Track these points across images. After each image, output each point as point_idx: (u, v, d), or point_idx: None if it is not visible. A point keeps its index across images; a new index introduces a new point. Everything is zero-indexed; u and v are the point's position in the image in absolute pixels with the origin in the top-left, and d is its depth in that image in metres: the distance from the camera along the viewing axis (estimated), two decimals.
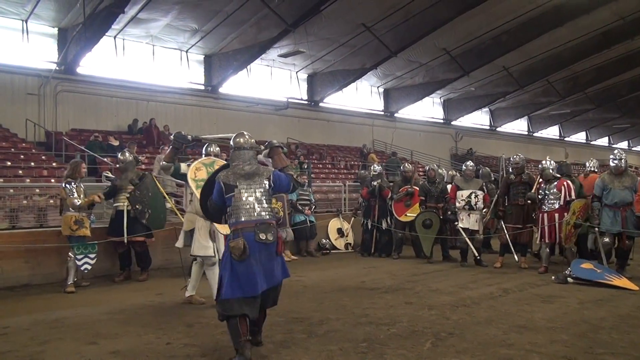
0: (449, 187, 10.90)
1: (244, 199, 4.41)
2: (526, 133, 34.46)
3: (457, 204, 9.36)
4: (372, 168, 11.67)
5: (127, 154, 8.69)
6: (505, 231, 9.03)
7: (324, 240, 11.82)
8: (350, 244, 12.07)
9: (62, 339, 5.04)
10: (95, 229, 8.23)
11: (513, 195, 9.09)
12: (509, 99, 29.33)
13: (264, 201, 4.45)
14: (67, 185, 7.60)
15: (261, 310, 4.50)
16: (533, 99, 30.04)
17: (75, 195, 7.56)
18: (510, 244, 9.04)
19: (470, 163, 9.93)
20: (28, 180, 11.58)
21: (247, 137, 4.71)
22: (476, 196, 9.29)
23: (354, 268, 9.43)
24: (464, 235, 9.24)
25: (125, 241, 8.12)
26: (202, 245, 6.14)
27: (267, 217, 4.42)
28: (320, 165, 20.07)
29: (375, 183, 10.99)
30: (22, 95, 16.04)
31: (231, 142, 4.72)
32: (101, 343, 4.86)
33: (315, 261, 10.54)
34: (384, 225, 10.91)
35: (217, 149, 6.97)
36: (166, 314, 6.00)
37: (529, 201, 8.76)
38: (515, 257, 9.02)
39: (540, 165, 8.85)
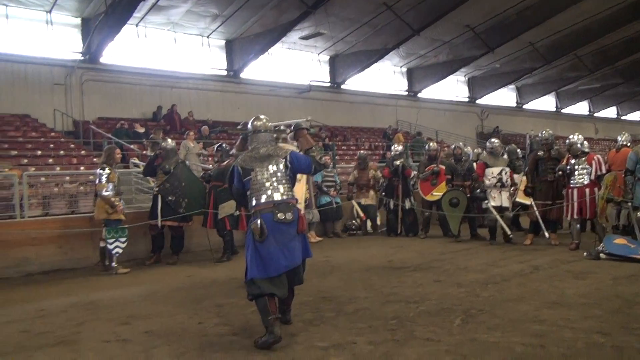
0: (475, 165, 10.80)
1: (260, 181, 4.45)
2: (554, 109, 33.73)
3: (487, 182, 9.19)
4: (393, 147, 11.56)
5: (168, 141, 8.83)
6: (535, 208, 8.87)
7: (350, 221, 11.81)
8: (377, 224, 12.02)
9: (97, 319, 5.16)
10: (126, 214, 8.39)
11: (542, 171, 8.90)
12: (535, 75, 28.68)
13: (282, 182, 4.46)
14: (99, 171, 7.77)
15: (288, 288, 4.52)
16: (561, 74, 29.34)
17: (105, 181, 7.68)
18: (540, 220, 8.87)
19: (495, 140, 9.73)
20: (58, 168, 11.82)
21: (263, 120, 4.75)
22: (506, 173, 9.17)
23: (381, 248, 9.41)
24: (495, 213, 9.10)
25: (159, 225, 8.25)
26: None
27: (285, 196, 4.43)
28: (345, 147, 20.00)
29: (397, 162, 10.90)
30: (49, 86, 16.30)
31: (248, 126, 4.77)
32: (134, 323, 4.96)
33: (341, 242, 10.55)
34: (407, 205, 10.84)
35: (288, 131, 6.98)
36: (197, 295, 6.08)
37: (559, 172, 8.49)
38: (546, 233, 8.87)
39: (568, 140, 8.64)
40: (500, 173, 9.14)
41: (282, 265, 4.30)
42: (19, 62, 15.74)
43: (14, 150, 12.63)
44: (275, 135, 4.90)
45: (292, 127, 5.04)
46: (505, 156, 10.23)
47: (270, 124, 4.89)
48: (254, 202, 4.44)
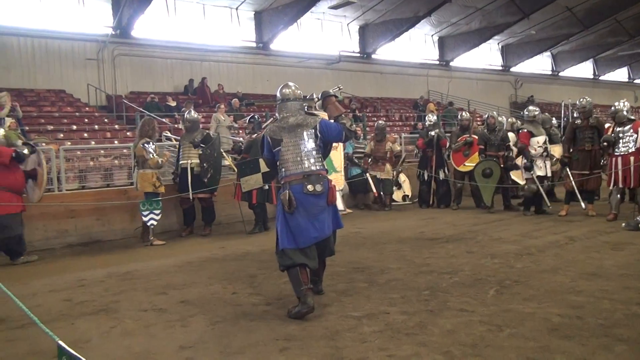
0: (510, 135, 10.55)
1: (290, 151, 4.38)
2: (591, 77, 32.68)
3: (533, 151, 8.85)
4: (427, 118, 11.38)
5: (193, 114, 8.83)
6: (571, 178, 8.65)
7: (381, 193, 11.75)
8: (407, 195, 11.96)
9: (135, 289, 5.28)
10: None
11: (580, 140, 8.62)
12: (572, 41, 27.79)
13: (312, 152, 4.39)
14: (145, 145, 7.83)
15: (319, 259, 4.51)
16: (599, 40, 28.33)
17: (153, 154, 7.81)
18: (577, 191, 8.66)
19: (535, 108, 9.38)
20: (93, 142, 12.06)
21: (292, 88, 4.63)
22: (547, 142, 8.93)
23: (413, 219, 9.36)
24: (538, 184, 8.85)
25: (191, 197, 8.31)
26: None
27: (316, 167, 4.36)
28: (375, 119, 19.80)
29: (432, 133, 10.74)
30: (82, 61, 16.55)
31: (277, 94, 4.65)
32: (171, 293, 5.07)
33: (372, 214, 10.52)
34: (442, 176, 10.72)
35: (318, 101, 6.92)
36: (230, 266, 6.17)
37: (605, 143, 8.21)
38: (582, 204, 8.65)
39: (612, 108, 8.32)
40: (545, 142, 8.88)
41: (312, 237, 4.29)
42: (52, 38, 16.03)
43: (50, 125, 12.92)
44: (305, 104, 4.78)
45: (320, 95, 4.92)
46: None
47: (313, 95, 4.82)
48: (283, 173, 4.39)
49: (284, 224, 4.31)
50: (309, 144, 4.40)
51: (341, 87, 6.38)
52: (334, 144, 6.16)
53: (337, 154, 6.38)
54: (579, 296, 4.41)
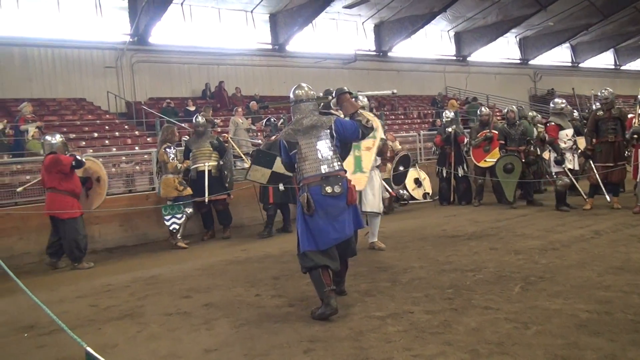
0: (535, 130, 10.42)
1: (306, 153, 4.35)
2: (612, 67, 32.10)
3: (562, 145, 8.64)
4: (444, 114, 11.26)
5: (199, 118, 8.87)
6: (595, 171, 8.49)
7: (402, 191, 11.71)
8: (428, 193, 11.89)
9: (159, 293, 5.34)
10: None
11: (602, 132, 8.45)
12: (592, 31, 27.32)
13: (329, 152, 4.35)
14: (167, 150, 7.98)
15: (341, 260, 4.49)
16: (619, 29, 27.82)
17: (174, 159, 7.98)
18: (601, 183, 8.50)
19: (561, 100, 9.16)
20: (114, 149, 12.21)
21: (305, 89, 4.57)
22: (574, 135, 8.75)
23: (434, 217, 9.30)
24: (570, 177, 8.65)
25: (207, 201, 8.33)
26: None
27: (333, 168, 4.33)
28: (393, 117, 19.75)
29: (450, 129, 10.65)
30: (101, 69, 16.78)
31: (290, 95, 4.61)
32: (195, 296, 5.11)
33: (394, 212, 10.48)
34: (461, 172, 10.62)
35: (365, 100, 6.90)
36: (252, 268, 6.20)
37: (635, 136, 8.06)
38: (607, 197, 8.48)
39: (638, 97, 8.14)
40: (574, 135, 8.70)
41: (332, 239, 4.27)
42: (72, 47, 16.28)
43: (72, 133, 13.11)
44: (319, 103, 4.72)
45: (334, 93, 4.89)
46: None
47: (329, 93, 4.83)
48: (301, 176, 4.37)
49: (304, 226, 4.30)
50: (325, 144, 4.37)
51: (395, 92, 6.38)
52: (369, 144, 6.15)
53: (369, 155, 6.31)
54: (606, 291, 4.33)
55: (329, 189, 4.26)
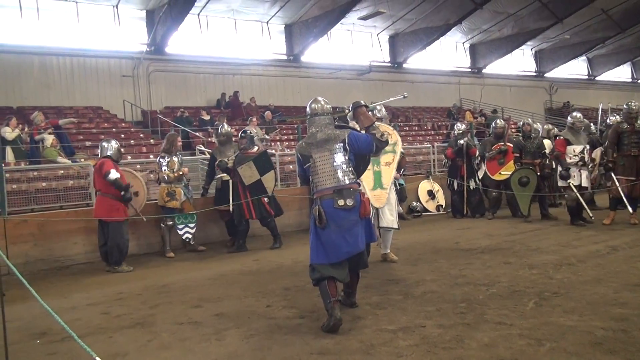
0: (545, 142, 10.33)
1: (320, 167, 4.37)
2: (630, 80, 31.79)
3: (569, 160, 8.61)
4: (456, 126, 11.18)
5: (227, 127, 8.94)
6: (618, 184, 8.35)
7: (415, 203, 11.66)
8: (441, 205, 11.82)
9: (171, 302, 5.35)
10: (196, 200, 8.72)
11: (625, 145, 8.35)
12: (609, 44, 27.11)
13: (342, 165, 4.36)
14: (160, 160, 8.17)
15: (352, 272, 4.49)
16: (637, 43, 27.60)
17: (165, 169, 8.10)
18: (624, 197, 8.30)
19: (578, 114, 9.05)
20: (129, 157, 12.28)
21: (322, 103, 4.60)
22: (587, 150, 8.64)
23: (447, 230, 9.23)
24: (576, 192, 8.58)
25: (231, 209, 8.32)
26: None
27: (346, 181, 4.33)
28: (407, 128, 19.70)
29: (461, 142, 10.60)
30: (118, 78, 16.98)
31: (307, 109, 4.65)
32: (206, 306, 5.11)
33: (406, 224, 10.40)
34: (472, 185, 10.54)
35: (384, 111, 6.86)
36: (264, 279, 6.19)
37: None
38: (630, 209, 8.25)
39: None
40: (582, 151, 8.60)
41: (344, 252, 4.27)
42: (90, 56, 16.51)
43: (88, 141, 13.25)
44: (335, 116, 4.76)
45: (350, 106, 4.91)
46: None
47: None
48: (314, 188, 4.40)
49: (316, 238, 4.32)
50: (338, 157, 4.38)
51: (406, 95, 6.35)
52: (389, 159, 6.12)
53: (389, 170, 6.24)
54: (623, 308, 4.25)
55: (341, 202, 4.27)
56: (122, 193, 7.22)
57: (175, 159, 8.26)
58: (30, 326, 4.78)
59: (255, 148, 8.52)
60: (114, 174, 7.13)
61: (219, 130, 8.95)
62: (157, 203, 8.34)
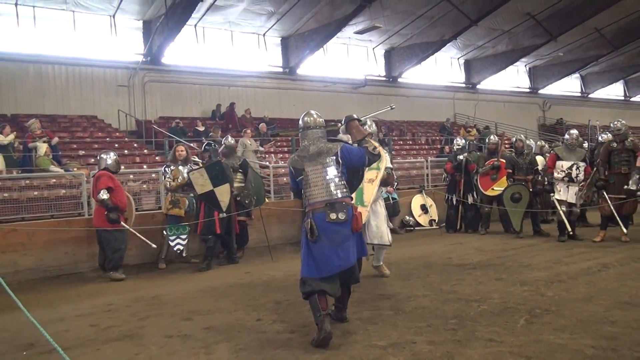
0: (538, 158, 10.40)
1: (312, 180, 4.38)
2: (622, 98, 32.08)
3: (556, 174, 8.79)
4: (455, 142, 11.28)
5: (230, 140, 8.97)
6: (609, 202, 8.41)
7: (408, 217, 11.67)
8: (434, 220, 11.84)
9: (160, 315, 5.31)
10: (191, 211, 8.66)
11: (615, 163, 8.45)
12: (602, 62, 27.37)
13: (334, 179, 4.37)
14: (165, 169, 8.37)
15: (343, 287, 4.47)
16: (630, 61, 27.87)
17: (168, 178, 8.19)
18: (616, 215, 8.36)
19: (574, 131, 9.17)
20: (123, 167, 12.21)
21: (314, 116, 4.62)
22: (577, 168, 8.69)
23: (440, 244, 9.24)
24: (558, 207, 8.70)
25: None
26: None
27: (338, 195, 4.34)
28: (401, 142, 19.77)
29: (461, 157, 10.65)
30: (113, 88, 16.96)
31: (300, 122, 4.67)
32: (195, 319, 5.07)
33: (399, 238, 10.40)
34: (470, 200, 10.57)
35: (374, 127, 6.84)
36: (255, 292, 6.16)
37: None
38: (624, 228, 8.33)
39: None
40: (570, 167, 8.70)
41: (335, 266, 4.26)
42: (86, 65, 16.49)
43: (82, 150, 13.21)
44: (327, 130, 4.74)
45: (343, 120, 4.95)
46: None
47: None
48: (306, 202, 4.41)
49: (307, 252, 4.31)
50: (331, 171, 4.39)
51: (393, 107, 6.40)
52: (372, 176, 6.12)
53: (371, 188, 6.21)
54: (613, 327, 4.26)
55: (333, 216, 4.27)
56: (106, 212, 7.34)
57: (181, 168, 8.27)
58: (17, 337, 4.73)
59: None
60: (102, 195, 7.32)
61: (222, 142, 9.01)
62: (162, 211, 8.44)
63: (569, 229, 8.71)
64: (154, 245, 7.73)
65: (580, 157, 8.84)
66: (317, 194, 4.35)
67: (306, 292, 4.27)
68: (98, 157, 8.01)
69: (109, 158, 7.71)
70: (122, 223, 7.54)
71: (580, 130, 22.41)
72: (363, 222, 6.08)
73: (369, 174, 6.04)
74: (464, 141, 11.26)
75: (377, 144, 5.87)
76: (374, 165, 5.93)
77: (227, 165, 8.23)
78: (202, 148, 8.63)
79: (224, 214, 7.86)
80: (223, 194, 7.87)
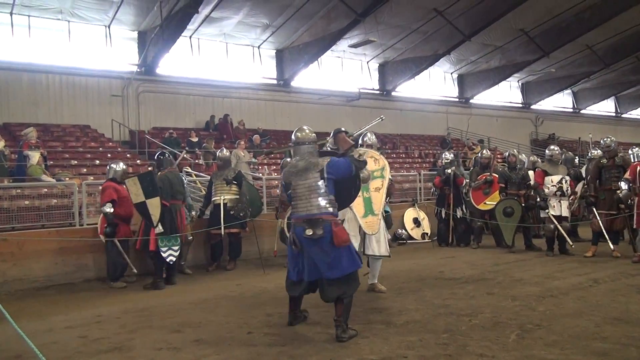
0: (530, 173, 10.46)
1: (297, 194, 4.60)
2: (613, 114, 32.40)
3: (547, 190, 8.86)
4: (443, 155, 11.31)
5: (225, 152, 9.00)
6: (598, 218, 8.47)
7: (400, 230, 11.67)
8: (426, 233, 11.84)
9: (150, 327, 5.26)
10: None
11: (605, 179, 8.53)
12: (593, 79, 27.66)
13: (317, 195, 4.51)
14: None
15: (328, 298, 4.59)
16: (621, 78, 28.18)
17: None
18: (605, 231, 8.45)
19: (555, 147, 9.39)
20: None
21: (306, 131, 4.79)
22: (566, 182, 8.87)
23: (432, 258, 9.23)
24: (556, 223, 8.75)
25: (222, 233, 8.39)
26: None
27: (319, 210, 4.49)
28: (394, 155, 19.83)
29: (449, 171, 10.67)
30: (107, 98, 16.96)
31: (292, 137, 4.83)
32: (186, 331, 5.03)
33: (391, 251, 10.36)
34: (459, 214, 10.58)
35: (374, 138, 6.87)
36: (246, 304, 6.12)
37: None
38: (611, 245, 8.42)
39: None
40: (560, 181, 8.81)
41: (306, 276, 4.63)
42: (80, 75, 16.50)
43: (74, 160, 13.15)
44: (318, 145, 4.93)
45: (331, 133, 5.11)
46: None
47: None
48: (291, 214, 4.67)
49: (290, 258, 4.76)
50: (314, 186, 4.55)
51: (383, 118, 6.46)
52: (378, 184, 6.15)
53: (379, 196, 6.19)
54: (604, 342, 4.26)
55: (309, 232, 4.46)
56: (105, 226, 7.44)
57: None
58: (4, 348, 4.67)
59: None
60: (105, 208, 7.40)
61: (217, 154, 9.11)
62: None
63: (570, 243, 8.86)
64: (134, 270, 7.72)
65: (565, 172, 9.01)
66: (300, 208, 4.57)
67: (286, 289, 4.93)
68: (108, 167, 8.10)
69: (118, 168, 7.82)
70: (114, 239, 7.49)
71: (572, 145, 22.62)
72: (376, 231, 6.08)
73: (374, 183, 6.09)
74: (452, 155, 11.27)
75: (377, 153, 5.97)
76: (378, 174, 6.00)
77: (171, 178, 7.75)
78: (156, 157, 8.26)
79: (160, 229, 7.26)
80: (154, 207, 7.22)
